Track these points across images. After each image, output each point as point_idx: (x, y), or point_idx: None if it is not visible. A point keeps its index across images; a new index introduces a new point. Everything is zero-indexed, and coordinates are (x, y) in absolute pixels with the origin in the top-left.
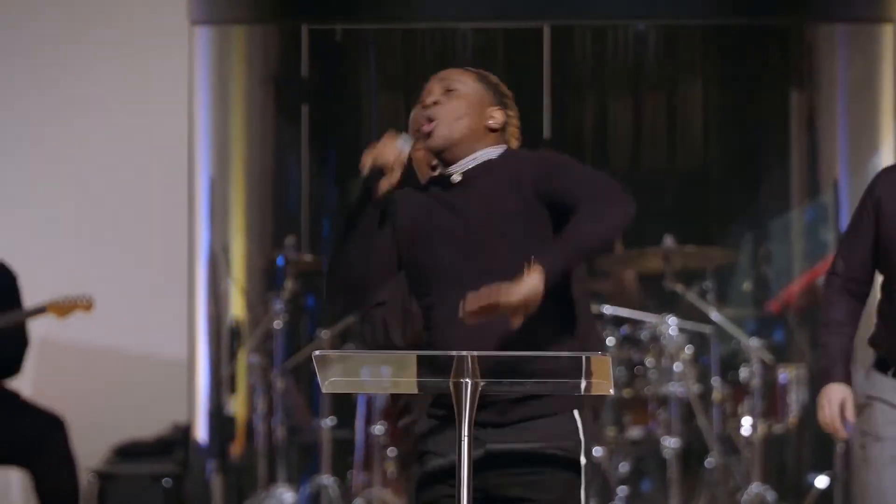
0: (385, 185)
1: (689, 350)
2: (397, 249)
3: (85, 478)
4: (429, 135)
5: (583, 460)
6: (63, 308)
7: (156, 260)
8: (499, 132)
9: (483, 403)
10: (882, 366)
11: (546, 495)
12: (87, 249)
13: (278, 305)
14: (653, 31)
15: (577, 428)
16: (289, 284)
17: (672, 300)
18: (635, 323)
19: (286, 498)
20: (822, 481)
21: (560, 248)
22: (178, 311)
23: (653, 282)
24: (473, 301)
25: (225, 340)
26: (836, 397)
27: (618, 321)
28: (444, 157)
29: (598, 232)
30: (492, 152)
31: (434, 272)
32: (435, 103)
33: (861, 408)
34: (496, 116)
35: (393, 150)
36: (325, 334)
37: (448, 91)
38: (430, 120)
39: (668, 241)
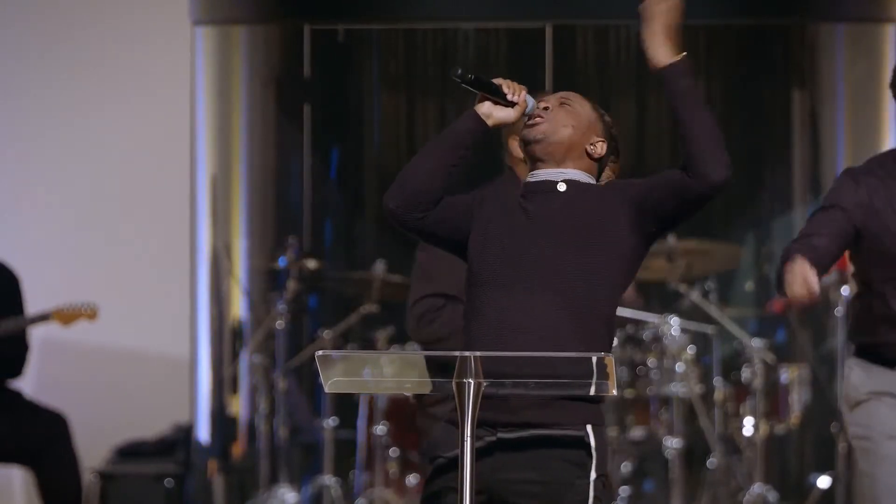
0: (501, 115)
1: (691, 350)
2: (466, 223)
3: (87, 478)
4: (532, 126)
5: (593, 475)
6: (67, 316)
7: (158, 260)
8: (595, 164)
9: (493, 403)
10: (879, 359)
11: None
12: (88, 249)
13: (280, 305)
14: None
15: (589, 443)
16: (291, 284)
17: (674, 300)
18: (637, 323)
19: (288, 498)
20: (824, 481)
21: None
22: (180, 311)
23: (655, 282)
24: None
25: (227, 340)
26: (799, 265)
27: (620, 322)
28: (535, 151)
29: (711, 120)
30: (582, 176)
31: (489, 269)
32: (546, 108)
33: (860, 403)
34: (598, 146)
35: (524, 95)
36: (327, 334)
37: (562, 104)
38: (539, 118)
39: (671, 240)
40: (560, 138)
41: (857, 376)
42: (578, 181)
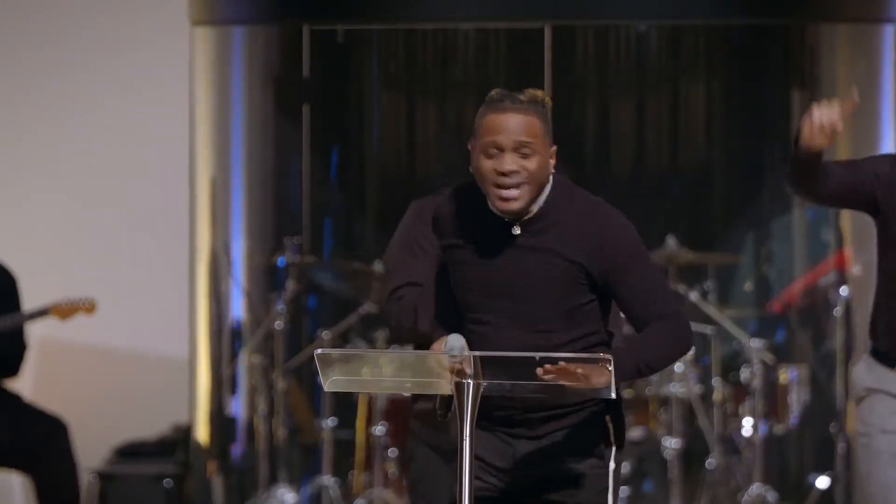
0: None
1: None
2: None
3: (86, 478)
4: (508, 201)
5: (612, 465)
6: (65, 310)
7: (157, 260)
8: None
9: (515, 421)
10: (883, 358)
11: (576, 499)
12: (88, 250)
13: (279, 306)
14: (654, 31)
15: (608, 433)
16: (290, 285)
17: None
18: None
19: (287, 498)
20: (823, 482)
21: (633, 361)
22: (180, 311)
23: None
24: (551, 370)
25: (226, 341)
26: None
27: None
28: (516, 217)
29: (669, 360)
30: (546, 190)
31: (476, 310)
32: (514, 172)
33: (861, 399)
34: (553, 156)
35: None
36: (326, 335)
37: (523, 154)
38: (511, 188)
39: (671, 242)
40: (536, 192)
41: (858, 372)
42: (550, 210)
